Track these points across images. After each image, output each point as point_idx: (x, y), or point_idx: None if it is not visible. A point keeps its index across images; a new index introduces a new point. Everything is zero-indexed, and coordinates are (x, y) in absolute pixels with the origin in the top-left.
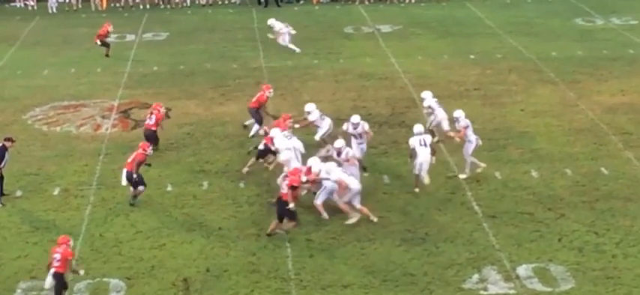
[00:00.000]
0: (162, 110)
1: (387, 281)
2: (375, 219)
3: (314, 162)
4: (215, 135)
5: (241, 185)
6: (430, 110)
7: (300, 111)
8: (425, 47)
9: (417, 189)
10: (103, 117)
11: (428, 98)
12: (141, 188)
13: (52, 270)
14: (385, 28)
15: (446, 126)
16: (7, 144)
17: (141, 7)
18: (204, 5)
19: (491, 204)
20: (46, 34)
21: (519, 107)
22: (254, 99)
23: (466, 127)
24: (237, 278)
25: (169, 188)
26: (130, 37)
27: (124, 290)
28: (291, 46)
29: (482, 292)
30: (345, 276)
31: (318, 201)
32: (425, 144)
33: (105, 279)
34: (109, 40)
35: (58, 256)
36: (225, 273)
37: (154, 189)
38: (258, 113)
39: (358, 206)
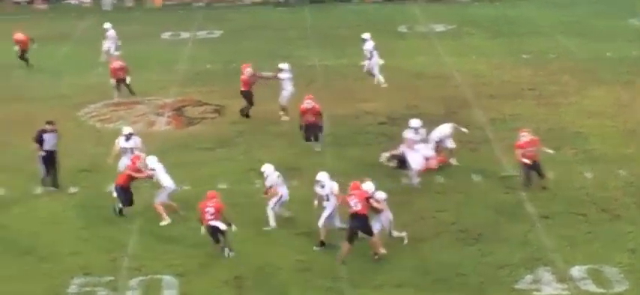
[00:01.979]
0: None
1: (439, 281)
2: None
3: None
4: (267, 133)
5: (294, 183)
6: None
7: (355, 110)
8: (478, 46)
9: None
10: (157, 114)
11: None
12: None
13: (213, 223)
14: (439, 28)
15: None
16: (48, 127)
17: (196, 4)
18: (258, 3)
19: (545, 205)
20: (100, 31)
21: (573, 108)
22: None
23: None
24: (289, 277)
25: (221, 185)
26: (185, 35)
27: (177, 286)
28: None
29: (535, 293)
30: (397, 276)
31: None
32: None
33: (157, 276)
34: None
35: (211, 209)
36: (277, 272)
37: (206, 186)
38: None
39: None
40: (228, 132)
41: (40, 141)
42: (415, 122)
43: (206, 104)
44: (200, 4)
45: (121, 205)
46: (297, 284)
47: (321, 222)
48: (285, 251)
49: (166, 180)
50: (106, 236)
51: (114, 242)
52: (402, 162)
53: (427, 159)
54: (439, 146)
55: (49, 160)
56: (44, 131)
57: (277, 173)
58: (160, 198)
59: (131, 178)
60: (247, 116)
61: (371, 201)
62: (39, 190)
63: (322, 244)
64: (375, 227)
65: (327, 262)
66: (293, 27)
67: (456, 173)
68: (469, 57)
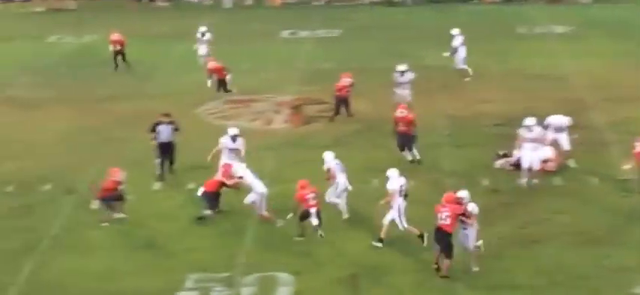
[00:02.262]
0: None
1: (555, 284)
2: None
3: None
4: (384, 132)
5: (411, 183)
6: None
7: (472, 111)
8: (597, 48)
9: None
10: (275, 112)
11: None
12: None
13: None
14: (558, 29)
15: None
16: (163, 119)
17: (315, 3)
18: (376, 3)
19: None
20: (221, 29)
21: None
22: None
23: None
24: (404, 277)
25: None
26: (303, 34)
27: (291, 284)
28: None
29: None
30: (513, 277)
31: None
32: None
33: (273, 273)
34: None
35: (312, 195)
36: (391, 271)
37: (322, 185)
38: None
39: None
40: (344, 131)
41: (154, 131)
42: (529, 120)
43: (323, 102)
44: (319, 3)
45: (207, 211)
46: (411, 284)
47: (403, 226)
48: (400, 251)
49: (258, 186)
50: (223, 232)
51: (230, 239)
52: (516, 165)
53: (545, 161)
54: (555, 144)
55: (163, 151)
56: (159, 123)
57: (336, 161)
58: (251, 199)
59: (222, 184)
60: (331, 119)
61: (462, 215)
62: (157, 186)
63: (380, 241)
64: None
65: (441, 262)
66: (412, 27)
67: (573, 175)
68: (588, 59)
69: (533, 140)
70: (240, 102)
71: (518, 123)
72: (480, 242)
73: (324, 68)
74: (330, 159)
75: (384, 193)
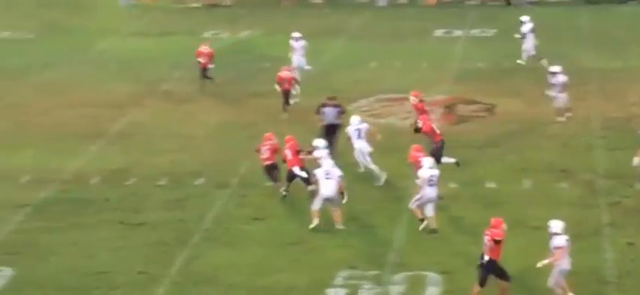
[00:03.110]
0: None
1: None
2: None
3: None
4: (538, 134)
5: (564, 185)
6: None
7: (627, 113)
8: None
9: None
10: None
11: None
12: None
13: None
14: None
15: None
16: (328, 101)
17: (469, 3)
18: (534, 3)
19: None
20: (374, 27)
21: None
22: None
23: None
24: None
25: (489, 185)
26: (457, 33)
27: (441, 284)
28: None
29: None
30: None
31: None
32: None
33: (422, 272)
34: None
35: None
36: (542, 273)
37: (473, 186)
38: None
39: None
40: (497, 131)
41: (320, 113)
42: None
43: (477, 102)
44: (475, 2)
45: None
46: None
47: (412, 205)
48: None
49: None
50: (373, 230)
51: (380, 237)
52: None
53: None
54: None
55: (328, 132)
56: (324, 105)
57: (359, 126)
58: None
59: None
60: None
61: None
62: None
63: (422, 221)
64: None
65: (594, 265)
66: (567, 27)
67: None
68: None
69: None
70: (393, 100)
71: None
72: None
73: (478, 68)
74: (354, 123)
75: (536, 195)
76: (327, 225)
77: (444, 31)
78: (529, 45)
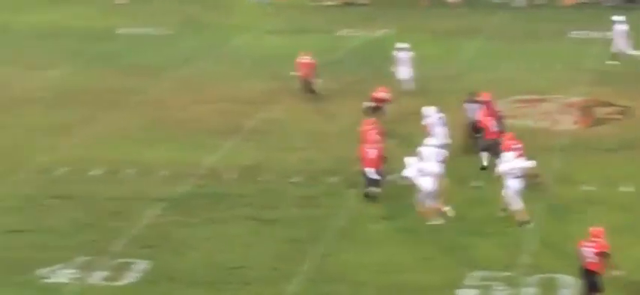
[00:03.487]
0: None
1: None
2: None
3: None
4: None
5: None
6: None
7: None
8: None
9: None
10: (562, 113)
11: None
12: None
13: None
14: None
15: None
16: (470, 97)
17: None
18: None
19: None
20: (510, 27)
21: None
22: None
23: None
24: None
25: (624, 188)
26: (594, 34)
27: (574, 286)
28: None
29: None
30: None
31: None
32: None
33: (555, 275)
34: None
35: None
36: None
37: (609, 187)
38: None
39: None
40: (633, 134)
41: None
42: None
43: (613, 105)
44: (612, 3)
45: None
46: None
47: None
48: None
49: (425, 182)
50: (506, 231)
51: (513, 238)
52: None
53: None
54: None
55: (473, 129)
56: (468, 101)
57: (440, 115)
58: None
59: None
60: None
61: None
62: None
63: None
64: None
65: None
66: None
67: None
68: None
69: None
70: (529, 102)
71: None
72: None
73: (614, 70)
74: (431, 113)
75: None
76: (460, 225)
77: (581, 33)
78: (620, 44)
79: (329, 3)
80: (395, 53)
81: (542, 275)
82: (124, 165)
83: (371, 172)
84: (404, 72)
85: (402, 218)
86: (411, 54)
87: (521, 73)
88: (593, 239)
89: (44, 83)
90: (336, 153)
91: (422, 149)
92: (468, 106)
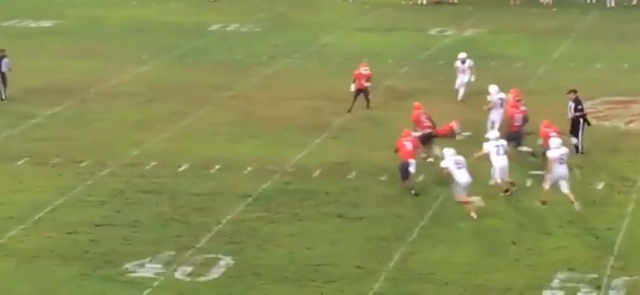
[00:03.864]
0: None
1: None
2: None
3: None
4: None
5: None
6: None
7: None
8: None
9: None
10: None
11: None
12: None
13: None
14: None
15: None
16: (570, 95)
17: None
18: None
19: None
20: (602, 27)
21: None
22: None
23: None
24: None
25: None
26: None
27: None
28: None
29: None
30: None
31: None
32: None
33: None
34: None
35: None
36: None
37: None
38: None
39: None
40: None
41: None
42: None
43: None
44: None
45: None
46: None
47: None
48: None
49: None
50: (593, 232)
51: (601, 240)
52: None
53: None
54: None
55: (574, 125)
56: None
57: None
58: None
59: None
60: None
61: None
62: (529, 183)
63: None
64: None
65: None
66: None
67: None
68: None
69: None
70: (619, 103)
71: None
72: None
73: None
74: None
75: None
76: (546, 225)
77: None
78: None
79: (420, 1)
80: (457, 64)
81: (629, 278)
82: (211, 161)
83: (411, 164)
84: (462, 80)
85: (490, 217)
86: (470, 63)
87: (612, 74)
88: None
89: (135, 78)
90: (423, 151)
91: (485, 144)
92: (569, 103)
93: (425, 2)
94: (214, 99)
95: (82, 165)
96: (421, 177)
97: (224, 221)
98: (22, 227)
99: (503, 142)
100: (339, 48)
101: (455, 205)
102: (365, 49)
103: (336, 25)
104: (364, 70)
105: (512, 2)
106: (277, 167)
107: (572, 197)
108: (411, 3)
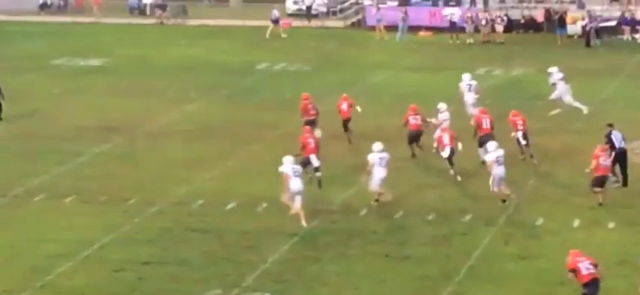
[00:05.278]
0: None
1: None
2: None
3: None
4: None
5: None
6: None
7: None
8: None
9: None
10: None
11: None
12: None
13: None
14: None
15: None
16: (611, 127)
17: None
18: None
19: None
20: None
21: None
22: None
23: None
24: None
25: None
26: None
27: None
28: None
29: None
30: None
31: None
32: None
33: None
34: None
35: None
36: None
37: None
38: None
39: None
40: None
41: (610, 141)
42: None
43: None
44: None
45: None
46: None
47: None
48: None
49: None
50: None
51: None
52: None
53: None
54: None
55: (618, 158)
56: (610, 133)
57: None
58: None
59: None
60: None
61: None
62: (577, 223)
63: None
64: None
65: None
66: None
67: None
68: None
69: None
70: None
71: None
72: None
73: None
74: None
75: None
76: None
77: None
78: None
79: (468, 40)
80: (460, 85)
81: None
82: (258, 199)
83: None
84: (470, 98)
85: (538, 258)
86: (474, 83)
87: None
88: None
89: (183, 116)
90: (471, 191)
91: (369, 155)
92: (615, 135)
93: (472, 41)
94: (261, 137)
95: (129, 202)
96: (468, 217)
97: (270, 259)
98: (70, 264)
99: (386, 155)
100: (388, 88)
101: (503, 245)
102: (413, 89)
103: (385, 65)
104: (414, 118)
105: (559, 42)
106: (324, 206)
107: (508, 190)
108: (459, 42)
